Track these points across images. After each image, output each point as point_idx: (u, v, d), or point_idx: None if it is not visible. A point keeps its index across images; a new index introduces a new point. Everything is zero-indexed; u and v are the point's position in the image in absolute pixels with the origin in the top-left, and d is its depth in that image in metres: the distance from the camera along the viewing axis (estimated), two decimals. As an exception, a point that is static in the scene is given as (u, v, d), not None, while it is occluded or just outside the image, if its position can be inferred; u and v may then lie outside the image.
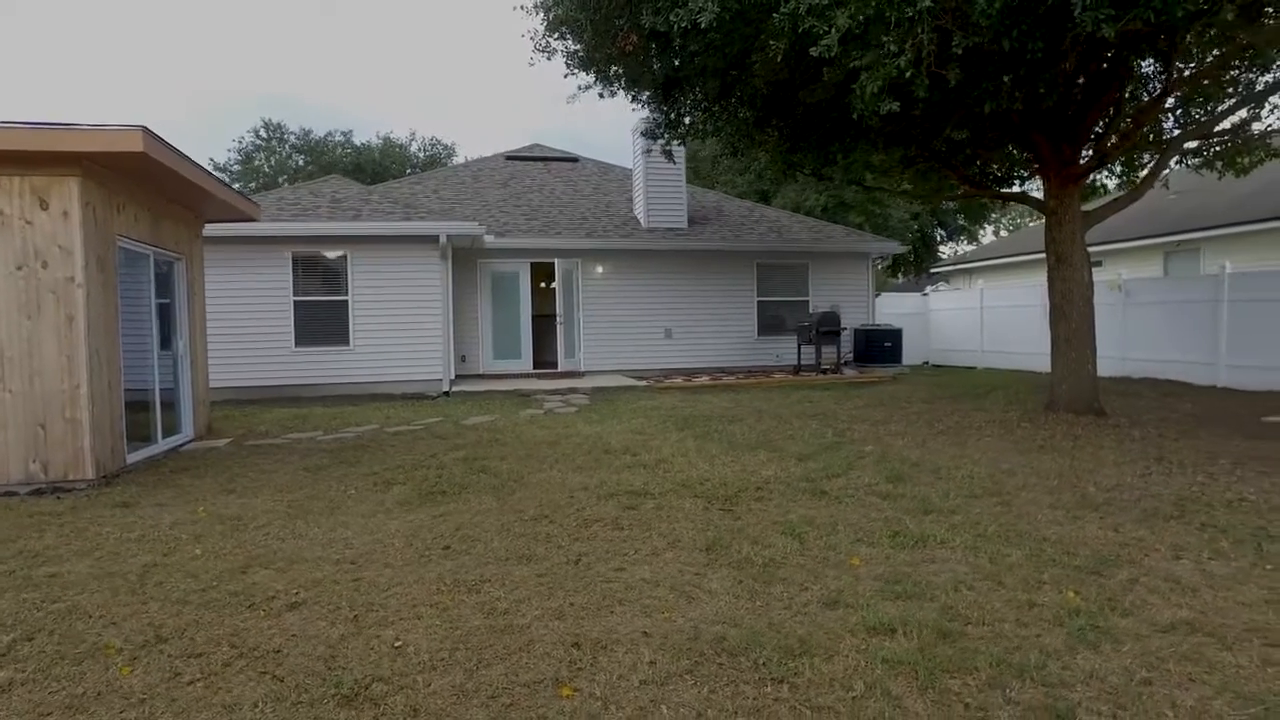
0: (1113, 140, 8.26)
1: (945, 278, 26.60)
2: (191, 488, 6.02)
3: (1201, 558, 3.97)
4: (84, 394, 5.87)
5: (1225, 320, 11.55)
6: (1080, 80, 7.54)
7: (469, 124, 67.91)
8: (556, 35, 7.79)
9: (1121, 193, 9.32)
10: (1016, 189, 11.05)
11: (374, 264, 11.92)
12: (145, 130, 5.66)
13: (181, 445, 7.80)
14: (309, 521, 4.96)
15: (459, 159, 38.56)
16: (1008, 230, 36.24)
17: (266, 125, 35.68)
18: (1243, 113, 8.74)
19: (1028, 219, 33.60)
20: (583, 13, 6.78)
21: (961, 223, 32.75)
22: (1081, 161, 8.05)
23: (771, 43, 5.98)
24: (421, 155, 37.31)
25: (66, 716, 2.59)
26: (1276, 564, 3.87)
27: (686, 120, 9.68)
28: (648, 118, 10.02)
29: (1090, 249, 8.70)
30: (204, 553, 4.33)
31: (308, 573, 3.97)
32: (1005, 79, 5.89)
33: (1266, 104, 8.57)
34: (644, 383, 13.25)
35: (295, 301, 11.71)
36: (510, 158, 19.93)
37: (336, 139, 35.26)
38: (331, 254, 11.88)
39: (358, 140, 36.07)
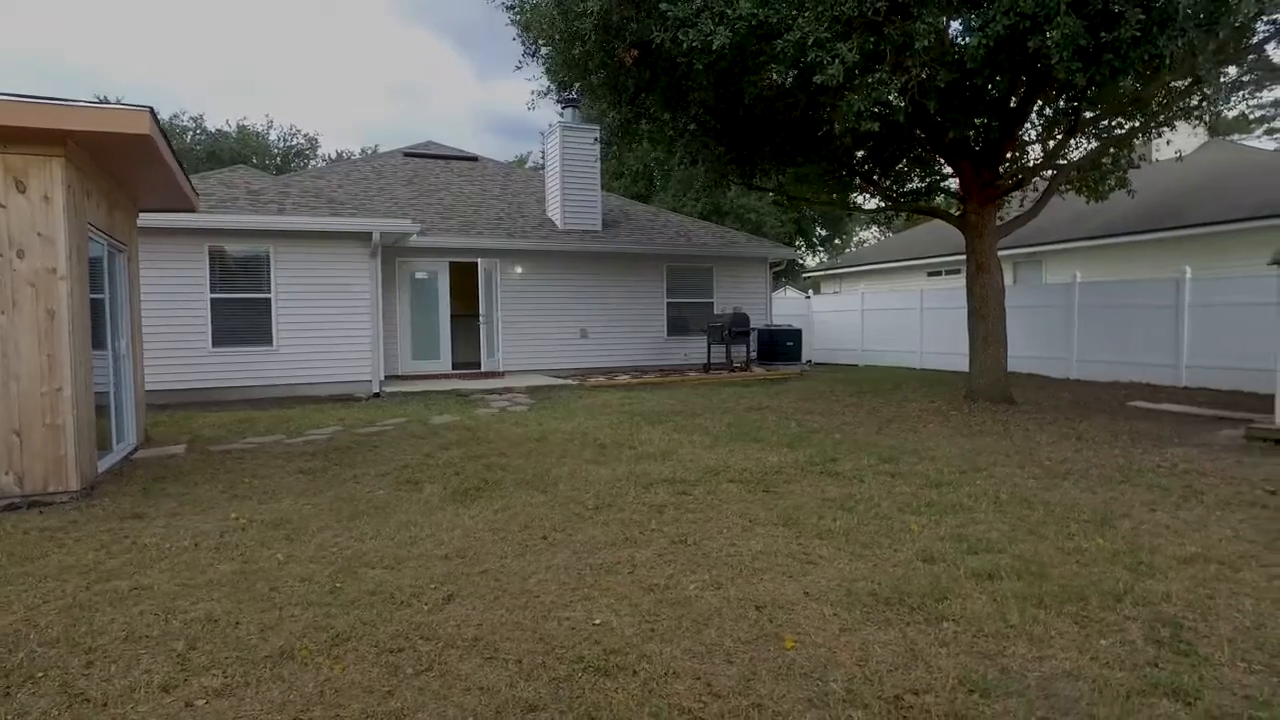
0: (1028, 165, 9.68)
1: (815, 283, 28.77)
2: (190, 496, 5.61)
3: (1169, 508, 4.97)
4: (67, 397, 5.30)
5: (1076, 323, 13.68)
6: (995, 121, 8.80)
7: (303, 112, 63.81)
8: (545, 42, 7.91)
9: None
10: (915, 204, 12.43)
11: (300, 261, 11.24)
12: (152, 112, 5.23)
13: (131, 453, 7.10)
14: (368, 523, 4.86)
15: (323, 151, 36.39)
16: (843, 244, 39.19)
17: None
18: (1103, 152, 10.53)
19: (898, 227, 36.63)
20: (590, 25, 6.98)
21: (823, 233, 35.54)
22: (997, 184, 9.37)
23: (773, 66, 6.55)
24: (281, 145, 34.75)
25: (328, 711, 2.58)
26: (1222, 511, 4.93)
27: (637, 128, 10.09)
28: (604, 124, 10.31)
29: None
30: (288, 559, 4.18)
31: (425, 569, 3.97)
32: (965, 109, 6.86)
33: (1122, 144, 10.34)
34: (570, 382, 13.44)
35: (213, 299, 10.79)
36: (409, 154, 19.30)
37: (185, 122, 31.94)
38: (253, 249, 11.05)
39: (210, 125, 32.94)
